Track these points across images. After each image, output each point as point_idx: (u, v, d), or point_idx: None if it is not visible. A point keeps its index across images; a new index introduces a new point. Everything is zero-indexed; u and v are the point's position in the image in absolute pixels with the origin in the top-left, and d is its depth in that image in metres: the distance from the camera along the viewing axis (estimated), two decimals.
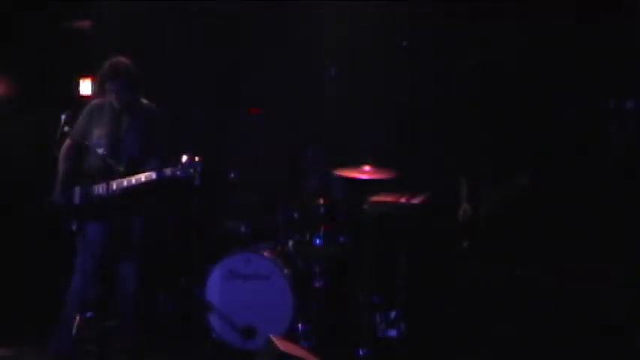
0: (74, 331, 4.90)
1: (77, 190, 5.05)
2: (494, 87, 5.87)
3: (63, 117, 4.93)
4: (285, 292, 5.49)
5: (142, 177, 4.93)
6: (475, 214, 5.17)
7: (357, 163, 5.89)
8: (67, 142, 5.12)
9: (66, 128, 4.94)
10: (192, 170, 4.84)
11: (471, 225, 5.15)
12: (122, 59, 5.10)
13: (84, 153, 5.10)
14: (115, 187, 4.91)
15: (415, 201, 5.86)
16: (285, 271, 5.60)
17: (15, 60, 6.68)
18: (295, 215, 5.97)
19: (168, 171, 4.89)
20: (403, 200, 5.83)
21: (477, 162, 5.37)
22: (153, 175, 4.92)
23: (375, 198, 5.83)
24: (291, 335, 5.36)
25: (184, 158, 4.85)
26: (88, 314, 5.06)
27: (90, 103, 5.26)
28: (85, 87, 6.53)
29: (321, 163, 6.33)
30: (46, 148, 5.13)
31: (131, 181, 4.91)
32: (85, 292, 5.09)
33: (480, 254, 5.16)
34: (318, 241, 5.88)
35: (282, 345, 4.48)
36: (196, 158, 4.83)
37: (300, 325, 5.57)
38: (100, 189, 5.00)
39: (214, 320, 5.58)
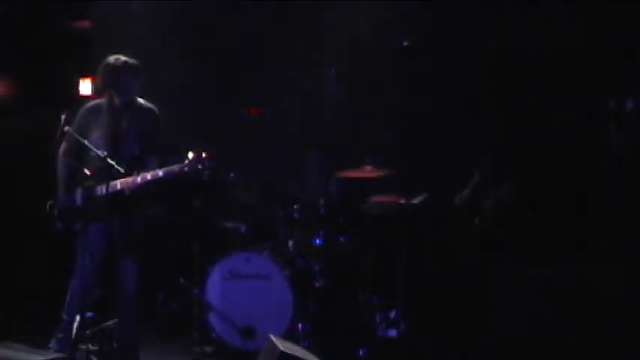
0: (74, 331, 4.90)
1: (79, 191, 5.05)
2: (493, 87, 5.88)
3: (63, 117, 4.94)
4: (285, 292, 5.49)
5: (148, 175, 4.93)
6: (476, 206, 5.19)
7: (357, 163, 5.89)
8: (64, 145, 5.12)
9: (66, 128, 4.95)
10: (200, 166, 4.84)
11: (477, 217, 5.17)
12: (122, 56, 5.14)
13: (83, 155, 5.09)
14: (119, 186, 4.92)
15: (415, 201, 5.86)
16: (285, 271, 5.60)
17: (15, 60, 6.68)
18: (295, 215, 5.97)
19: (175, 168, 4.89)
20: (403, 200, 5.83)
21: (478, 160, 5.38)
22: (159, 172, 4.92)
23: (375, 198, 5.84)
24: (291, 335, 5.36)
25: (191, 155, 4.85)
26: (88, 314, 5.06)
27: (85, 105, 5.25)
28: (85, 87, 6.53)
29: (322, 163, 6.33)
30: (46, 148, 5.13)
31: (136, 180, 4.91)
32: (86, 292, 5.09)
33: (484, 252, 5.17)
34: (318, 241, 5.88)
35: (282, 345, 4.48)
36: (203, 154, 4.84)
37: (300, 325, 5.57)
38: (101, 190, 5.00)
39: (214, 320, 5.58)
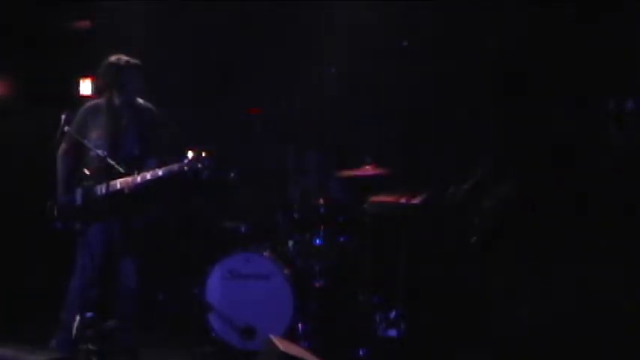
0: (74, 331, 4.90)
1: (79, 191, 5.05)
2: (493, 87, 5.87)
3: (63, 117, 4.95)
4: (285, 292, 5.49)
5: (148, 175, 4.93)
6: (475, 204, 5.19)
7: (357, 163, 5.89)
8: (64, 145, 5.12)
9: (66, 128, 4.96)
10: (199, 165, 4.85)
11: (479, 220, 5.16)
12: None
13: (83, 155, 5.10)
14: (119, 186, 4.93)
15: (415, 201, 5.86)
16: (285, 271, 5.60)
17: (15, 60, 6.68)
18: (295, 215, 5.97)
19: (175, 167, 4.89)
20: (403, 200, 5.83)
21: (478, 160, 5.38)
22: (159, 172, 4.92)
23: (375, 198, 5.84)
24: (291, 335, 5.36)
25: (190, 154, 4.86)
26: (88, 314, 5.07)
27: (84, 106, 5.25)
28: (85, 87, 6.53)
29: (321, 163, 6.34)
30: (46, 148, 5.14)
31: (136, 179, 4.91)
32: (86, 292, 5.09)
33: (484, 252, 5.17)
34: (318, 241, 5.88)
35: (282, 345, 4.48)
36: (203, 153, 4.85)
37: (300, 325, 5.57)
38: (101, 189, 5.00)
39: (214, 320, 5.58)
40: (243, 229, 6.03)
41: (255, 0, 6.69)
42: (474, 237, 5.22)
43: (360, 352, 5.43)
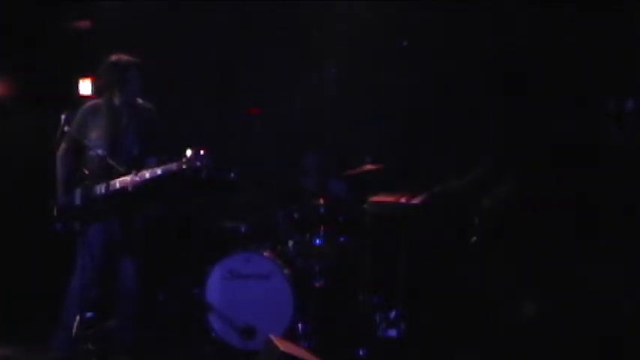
0: (74, 331, 4.90)
1: (78, 191, 5.05)
2: (494, 87, 5.88)
3: (63, 117, 4.94)
4: (285, 292, 5.49)
5: (147, 174, 4.93)
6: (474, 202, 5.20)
7: (357, 163, 5.89)
8: (64, 145, 5.12)
9: (66, 128, 4.95)
10: (198, 163, 4.85)
11: (480, 220, 5.17)
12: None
13: (83, 154, 5.09)
14: (118, 186, 4.92)
15: (415, 201, 5.86)
16: (285, 271, 5.60)
17: (15, 60, 6.68)
18: (295, 215, 5.97)
19: (174, 166, 4.89)
20: (403, 200, 5.83)
21: (478, 160, 5.38)
22: (158, 171, 4.92)
23: (375, 198, 5.84)
24: (291, 335, 5.36)
25: (189, 152, 4.86)
26: (88, 314, 5.07)
27: (84, 106, 5.25)
28: (85, 87, 6.53)
29: (321, 163, 6.33)
30: (46, 148, 5.14)
31: (135, 178, 4.91)
32: (86, 292, 5.09)
33: (484, 252, 5.17)
34: (318, 241, 5.88)
35: (282, 345, 4.48)
36: (201, 151, 4.84)
37: (300, 325, 5.57)
38: (101, 189, 5.00)
39: (214, 320, 5.58)
40: (243, 229, 6.03)
41: (255, 0, 6.69)
42: (474, 237, 5.22)
43: (360, 352, 5.43)
